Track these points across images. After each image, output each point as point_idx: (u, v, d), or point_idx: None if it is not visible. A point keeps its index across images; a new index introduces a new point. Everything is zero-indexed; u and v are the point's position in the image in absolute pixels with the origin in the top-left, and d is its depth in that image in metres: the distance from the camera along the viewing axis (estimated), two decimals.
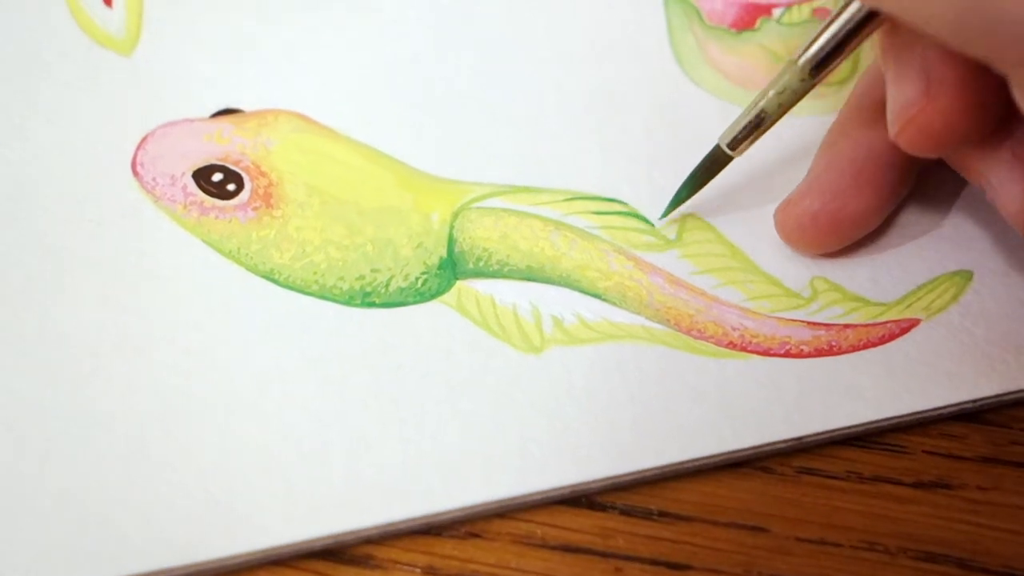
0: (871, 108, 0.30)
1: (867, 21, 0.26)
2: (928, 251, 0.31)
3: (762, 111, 0.29)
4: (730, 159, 0.30)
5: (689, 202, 0.31)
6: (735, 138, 0.29)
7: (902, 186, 0.30)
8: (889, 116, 0.26)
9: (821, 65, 0.27)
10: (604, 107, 0.33)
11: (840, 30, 0.26)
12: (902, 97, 0.26)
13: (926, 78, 0.25)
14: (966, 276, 0.30)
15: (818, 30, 0.27)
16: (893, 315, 0.29)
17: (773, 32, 0.35)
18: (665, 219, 0.31)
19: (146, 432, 0.27)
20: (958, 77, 0.25)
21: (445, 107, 0.33)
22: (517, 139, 0.32)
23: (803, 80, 0.28)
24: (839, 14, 0.26)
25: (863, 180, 0.29)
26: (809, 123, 0.33)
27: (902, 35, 0.25)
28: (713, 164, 0.30)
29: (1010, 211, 0.27)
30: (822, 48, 0.27)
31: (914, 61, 0.25)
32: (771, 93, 0.28)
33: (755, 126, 0.29)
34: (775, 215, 0.31)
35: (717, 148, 0.30)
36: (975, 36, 0.22)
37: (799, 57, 0.27)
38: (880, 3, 0.24)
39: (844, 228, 0.30)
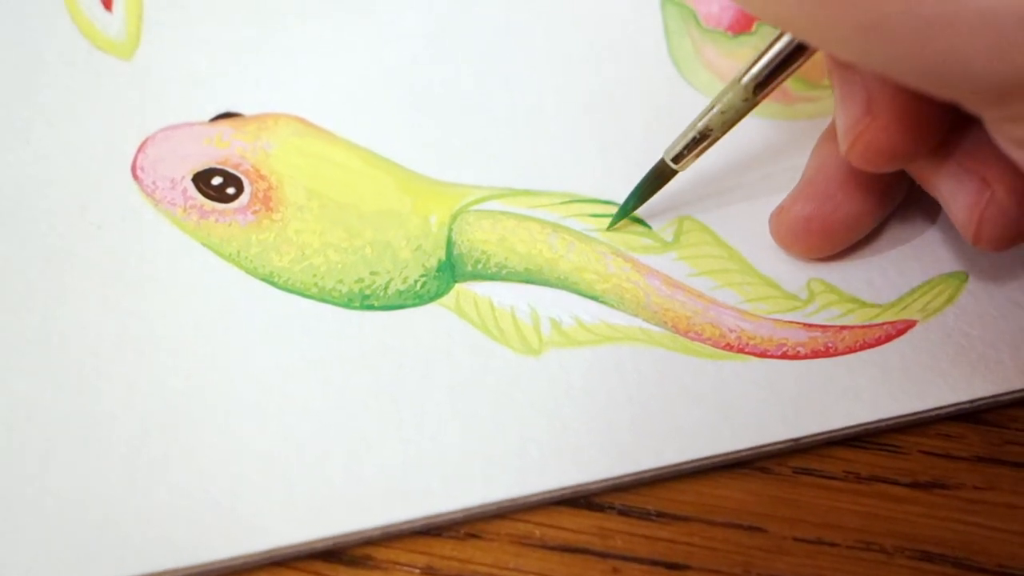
0: None
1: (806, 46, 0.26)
2: (923, 253, 0.31)
3: (706, 127, 0.29)
4: (675, 173, 0.30)
5: (687, 206, 0.31)
6: (679, 153, 0.30)
7: (894, 190, 0.30)
8: (839, 134, 0.27)
9: (763, 84, 0.28)
10: (601, 110, 0.33)
11: (781, 51, 0.27)
12: (848, 116, 0.26)
13: (868, 98, 0.25)
14: (961, 278, 0.30)
15: (761, 50, 0.27)
16: (889, 317, 0.30)
17: (769, 36, 0.35)
18: (610, 230, 0.31)
19: (147, 434, 0.27)
20: (898, 96, 0.25)
21: (443, 110, 0.33)
22: (515, 142, 0.33)
23: (746, 100, 0.28)
24: (780, 36, 0.27)
25: (852, 184, 0.29)
26: (804, 126, 0.33)
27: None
28: (658, 177, 0.30)
29: (958, 220, 0.27)
30: (764, 68, 0.27)
31: (856, 81, 0.26)
32: (715, 110, 0.29)
33: (698, 141, 0.29)
34: (769, 220, 0.31)
35: (662, 162, 0.30)
36: (942, 86, 0.22)
37: (742, 76, 0.28)
38: (843, 53, 0.24)
39: (836, 232, 0.30)
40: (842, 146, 0.27)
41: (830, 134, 0.30)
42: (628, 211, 0.31)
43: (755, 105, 0.28)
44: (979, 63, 0.20)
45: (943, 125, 0.26)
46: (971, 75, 0.21)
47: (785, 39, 0.27)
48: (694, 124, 0.29)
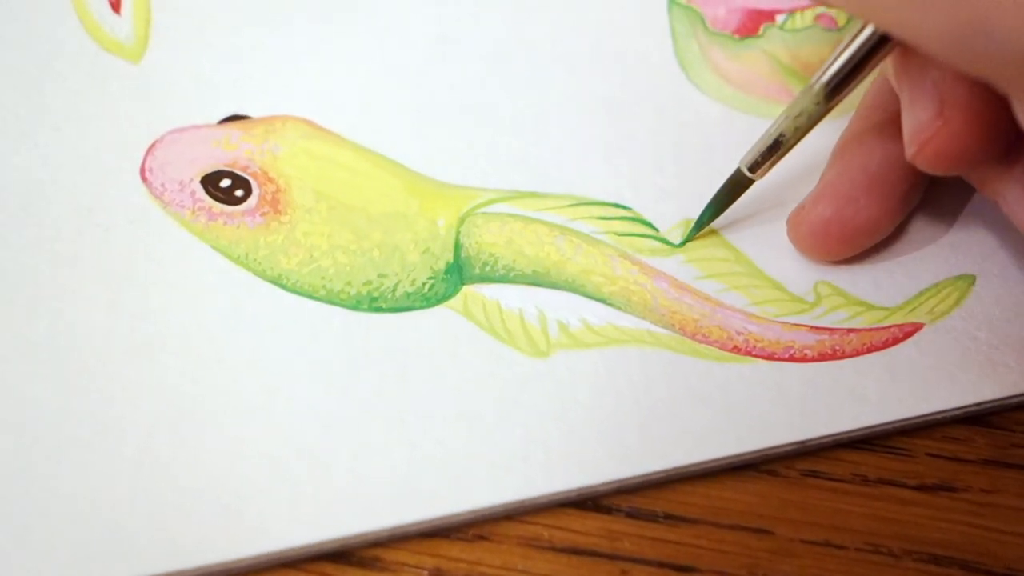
0: (884, 117, 0.30)
1: (880, 45, 0.26)
2: (931, 256, 0.31)
3: (780, 135, 0.29)
4: (751, 182, 0.30)
5: (694, 208, 0.31)
6: (755, 162, 0.29)
7: (914, 195, 0.30)
8: (905, 138, 0.26)
9: (836, 89, 0.27)
10: (609, 113, 0.33)
11: (854, 55, 0.26)
12: (916, 120, 0.26)
13: (939, 101, 0.25)
14: (969, 280, 0.30)
15: (833, 55, 0.27)
16: (897, 319, 0.30)
17: (776, 38, 0.35)
18: (685, 243, 0.31)
19: (155, 436, 0.27)
20: (971, 99, 0.25)
21: (451, 113, 0.33)
22: (522, 145, 0.33)
23: (818, 104, 0.28)
24: (853, 39, 0.26)
25: (875, 188, 0.29)
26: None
27: (915, 58, 0.25)
28: (735, 187, 0.30)
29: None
30: (837, 73, 0.27)
31: (927, 84, 0.25)
32: (788, 117, 0.28)
33: (773, 150, 0.29)
34: (787, 221, 0.31)
35: (738, 171, 0.30)
36: (974, 55, 0.22)
37: (815, 82, 0.27)
38: (878, 21, 0.24)
39: (856, 235, 0.30)
40: (908, 150, 0.26)
41: (854, 137, 0.30)
42: (705, 223, 0.31)
43: (828, 111, 0.28)
44: (1005, 31, 0.20)
45: (1011, 132, 0.25)
46: (998, 44, 0.21)
47: (857, 43, 0.26)
48: (767, 133, 0.29)
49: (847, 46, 0.27)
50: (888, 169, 0.30)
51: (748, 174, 0.30)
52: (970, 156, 0.26)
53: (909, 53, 0.26)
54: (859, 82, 0.27)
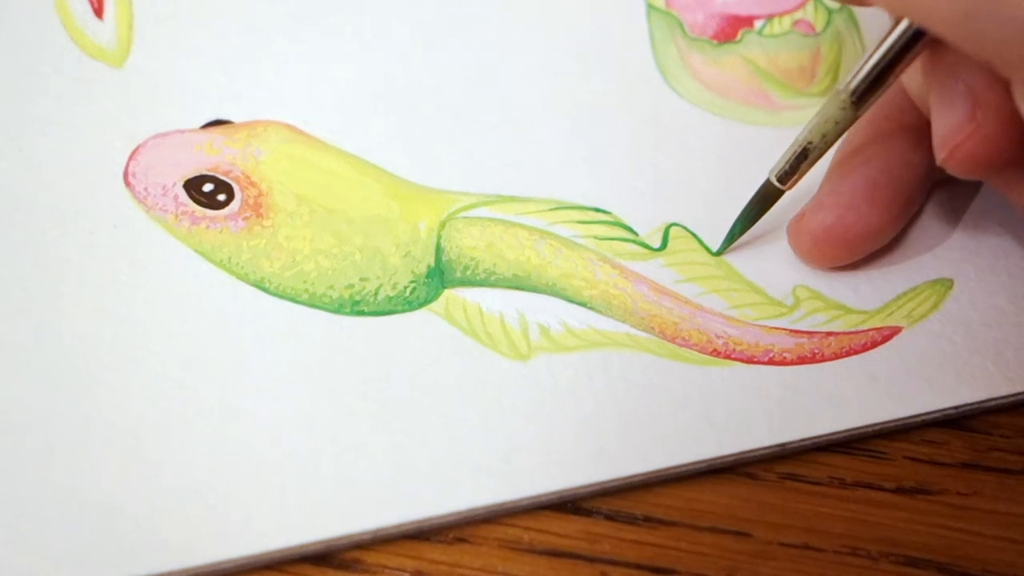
0: (888, 126, 0.30)
1: (909, 48, 0.26)
2: (909, 260, 0.31)
3: (808, 143, 0.29)
4: (781, 193, 0.30)
5: (674, 212, 0.31)
6: (784, 172, 0.29)
7: (915, 203, 0.31)
8: (936, 141, 0.26)
9: (865, 95, 0.27)
10: (589, 118, 0.33)
11: (883, 59, 0.26)
12: (948, 123, 0.25)
13: (972, 104, 0.25)
14: (947, 284, 0.31)
15: (861, 59, 0.27)
16: (875, 323, 0.30)
17: (754, 44, 0.35)
18: (722, 253, 0.31)
19: (140, 438, 0.27)
20: (1004, 101, 0.25)
21: (432, 117, 0.33)
22: (503, 149, 0.33)
23: (845, 110, 0.27)
24: (881, 42, 0.26)
25: (877, 196, 0.30)
26: (790, 134, 0.33)
27: (946, 60, 0.25)
28: (765, 199, 0.30)
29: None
30: (865, 78, 0.27)
31: (959, 86, 0.25)
32: (815, 125, 0.28)
33: (801, 159, 0.29)
34: (788, 229, 0.31)
35: (767, 183, 0.30)
36: (979, 35, 0.22)
37: (843, 88, 0.27)
38: (888, 4, 0.24)
39: (857, 242, 0.30)
40: (939, 154, 0.26)
41: (855, 146, 0.31)
42: (737, 235, 0.31)
43: (857, 117, 0.28)
44: (1008, 10, 0.21)
45: None
46: (999, 25, 0.21)
47: (887, 44, 0.26)
48: (796, 140, 0.29)
49: (875, 50, 0.26)
50: (889, 179, 0.30)
51: (778, 185, 0.30)
52: (1002, 160, 0.25)
53: (939, 56, 0.26)
54: (887, 87, 0.27)
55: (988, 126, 0.25)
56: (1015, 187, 0.28)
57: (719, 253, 0.31)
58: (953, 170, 0.26)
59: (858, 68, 0.27)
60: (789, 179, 0.29)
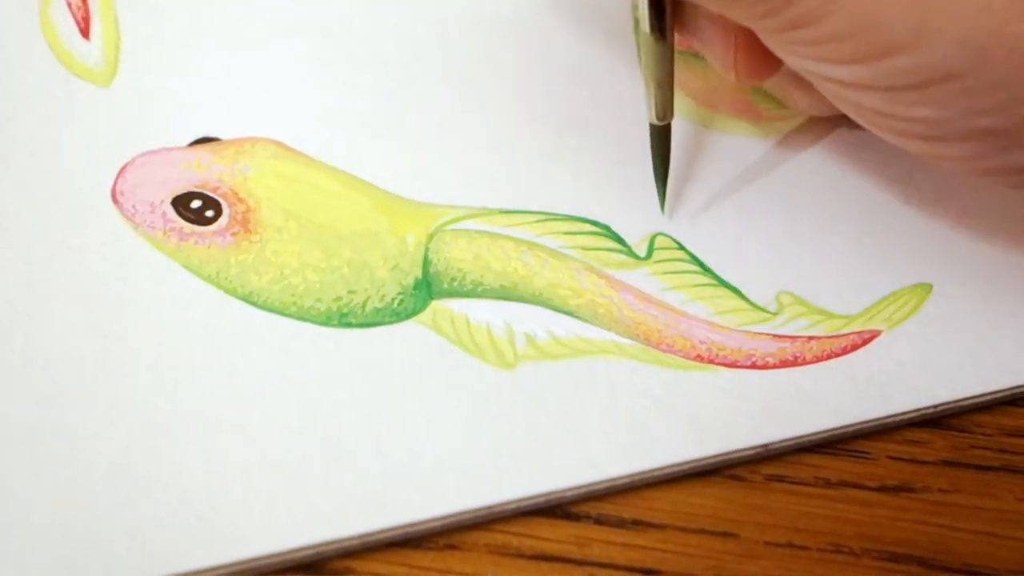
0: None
1: None
2: (889, 266, 0.32)
3: (659, 80, 0.31)
4: (668, 127, 0.32)
5: (659, 222, 0.32)
6: (658, 110, 0.31)
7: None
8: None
9: (659, 29, 0.29)
10: (576, 129, 0.34)
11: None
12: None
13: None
14: (926, 288, 0.31)
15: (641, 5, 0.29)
16: (856, 327, 0.30)
17: None
18: (667, 211, 0.32)
19: (130, 450, 0.27)
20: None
21: (420, 132, 0.34)
22: (490, 163, 0.33)
23: (657, 43, 0.30)
24: None
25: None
26: (774, 144, 0.34)
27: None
28: (661, 140, 0.32)
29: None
30: (649, 16, 0.29)
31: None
32: (648, 65, 0.30)
33: (663, 92, 0.31)
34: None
35: (653, 127, 0.32)
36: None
37: (646, 30, 0.30)
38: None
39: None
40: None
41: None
42: (664, 189, 0.32)
43: (671, 44, 0.30)
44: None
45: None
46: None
47: None
48: (647, 83, 0.31)
49: None
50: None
51: (660, 123, 0.31)
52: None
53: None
54: (671, 16, 0.29)
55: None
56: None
57: (666, 214, 0.32)
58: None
59: (642, 11, 0.29)
60: (664, 113, 0.31)
